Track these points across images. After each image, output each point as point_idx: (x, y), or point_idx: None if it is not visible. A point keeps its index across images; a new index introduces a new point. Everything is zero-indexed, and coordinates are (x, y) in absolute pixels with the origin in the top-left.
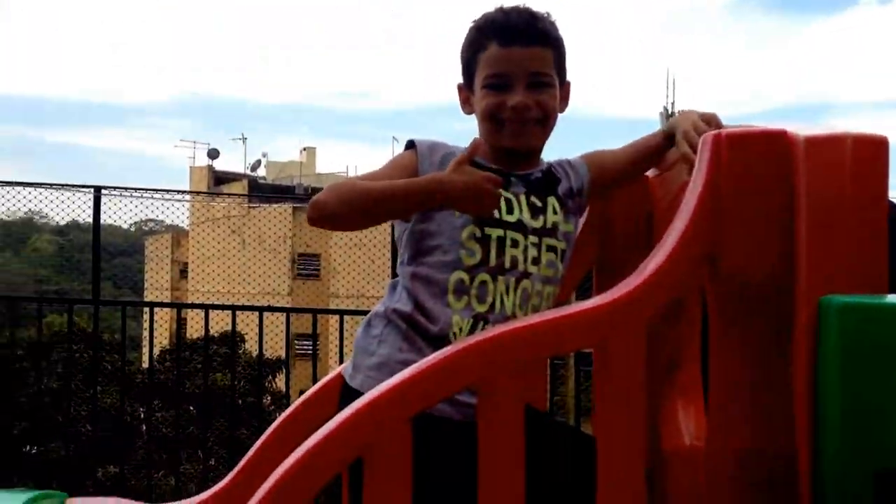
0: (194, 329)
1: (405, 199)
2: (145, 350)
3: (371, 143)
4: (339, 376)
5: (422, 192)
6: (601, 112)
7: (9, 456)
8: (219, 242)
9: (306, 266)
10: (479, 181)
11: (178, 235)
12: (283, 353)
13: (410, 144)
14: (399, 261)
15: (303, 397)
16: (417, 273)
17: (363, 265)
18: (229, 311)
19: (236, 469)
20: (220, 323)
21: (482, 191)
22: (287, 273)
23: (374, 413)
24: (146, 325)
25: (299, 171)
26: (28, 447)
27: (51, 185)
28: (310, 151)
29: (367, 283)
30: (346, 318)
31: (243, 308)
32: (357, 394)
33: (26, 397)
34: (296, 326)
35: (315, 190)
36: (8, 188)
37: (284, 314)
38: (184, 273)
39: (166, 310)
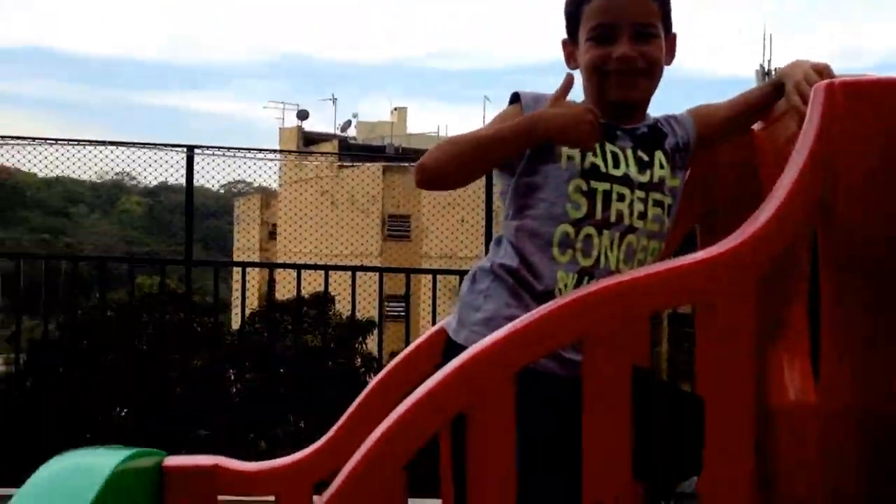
0: (285, 290)
1: (508, 139)
2: (234, 312)
3: (462, 102)
4: (435, 335)
5: (524, 131)
6: (693, 70)
7: (100, 417)
8: (309, 203)
9: (397, 227)
10: (579, 112)
11: (267, 197)
12: (372, 315)
13: (515, 97)
14: (503, 216)
15: (399, 357)
16: (523, 226)
17: (454, 225)
18: (317, 273)
19: (335, 427)
20: (311, 284)
21: (583, 121)
22: (377, 234)
23: (477, 369)
24: (236, 286)
25: (390, 131)
26: (118, 409)
27: (143, 144)
28: (400, 112)
29: (459, 243)
30: (438, 278)
31: (336, 268)
32: (461, 349)
33: (116, 359)
34: (386, 288)
35: (406, 150)
36: (100, 147)
37: (377, 274)
38: (272, 234)
39: (254, 272)
